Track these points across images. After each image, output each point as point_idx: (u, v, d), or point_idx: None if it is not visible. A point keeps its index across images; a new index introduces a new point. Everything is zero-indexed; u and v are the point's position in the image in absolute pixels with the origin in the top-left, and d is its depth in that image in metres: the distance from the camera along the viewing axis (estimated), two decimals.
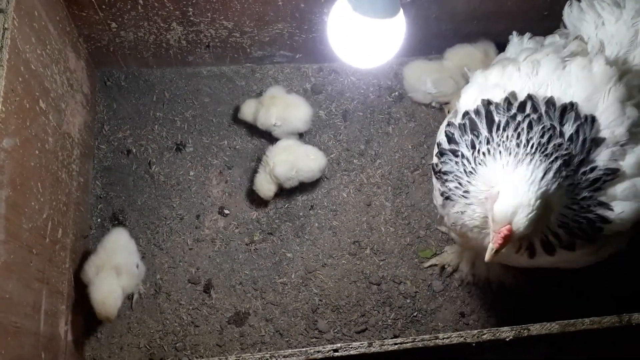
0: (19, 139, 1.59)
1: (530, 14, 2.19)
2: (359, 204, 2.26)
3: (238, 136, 2.33)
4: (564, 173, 1.47)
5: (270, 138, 2.28)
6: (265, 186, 2.17)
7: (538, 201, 1.42)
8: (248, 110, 2.26)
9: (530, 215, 1.42)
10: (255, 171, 2.24)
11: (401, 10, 1.48)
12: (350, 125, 2.36)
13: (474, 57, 2.26)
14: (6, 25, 1.56)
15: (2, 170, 1.48)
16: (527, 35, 1.90)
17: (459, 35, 2.30)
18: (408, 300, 2.14)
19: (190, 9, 2.07)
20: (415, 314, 2.13)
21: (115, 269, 1.95)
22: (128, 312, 2.10)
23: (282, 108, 2.21)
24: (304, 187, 2.25)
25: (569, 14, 1.88)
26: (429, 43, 2.34)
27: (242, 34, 2.21)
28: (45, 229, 1.76)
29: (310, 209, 2.25)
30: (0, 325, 1.46)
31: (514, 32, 1.94)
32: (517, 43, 1.90)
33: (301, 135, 2.31)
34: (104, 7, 2.02)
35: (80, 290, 1.99)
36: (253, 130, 2.31)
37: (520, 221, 1.42)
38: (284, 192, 2.25)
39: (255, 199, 2.24)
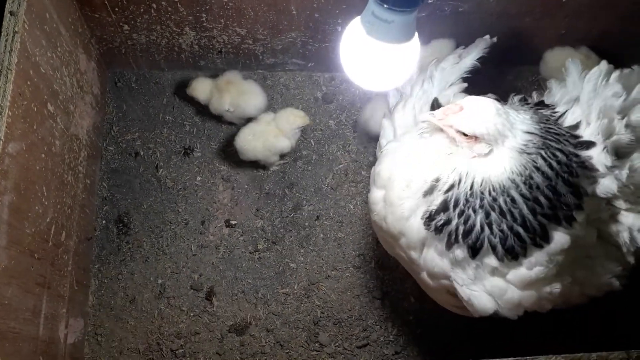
0: (25, 143, 1.57)
1: (547, 32, 2.15)
2: (365, 216, 2.24)
3: None
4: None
5: None
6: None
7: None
8: (201, 89, 2.25)
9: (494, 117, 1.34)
10: (262, 178, 2.23)
11: (416, 34, 1.45)
12: (359, 136, 2.33)
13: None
14: (16, 29, 1.54)
15: (6, 175, 1.46)
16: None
17: None
18: (411, 317, 2.12)
19: (204, 15, 2.05)
20: (418, 331, 2.10)
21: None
22: (129, 316, 2.09)
23: (236, 95, 2.22)
24: (310, 196, 2.23)
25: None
26: None
27: (254, 41, 2.19)
28: (49, 232, 1.75)
29: (316, 219, 2.23)
30: None
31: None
32: None
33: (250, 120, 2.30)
34: (117, 9, 2.01)
35: (82, 293, 1.99)
36: None
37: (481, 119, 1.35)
38: (290, 200, 2.23)
39: (261, 207, 2.22)
